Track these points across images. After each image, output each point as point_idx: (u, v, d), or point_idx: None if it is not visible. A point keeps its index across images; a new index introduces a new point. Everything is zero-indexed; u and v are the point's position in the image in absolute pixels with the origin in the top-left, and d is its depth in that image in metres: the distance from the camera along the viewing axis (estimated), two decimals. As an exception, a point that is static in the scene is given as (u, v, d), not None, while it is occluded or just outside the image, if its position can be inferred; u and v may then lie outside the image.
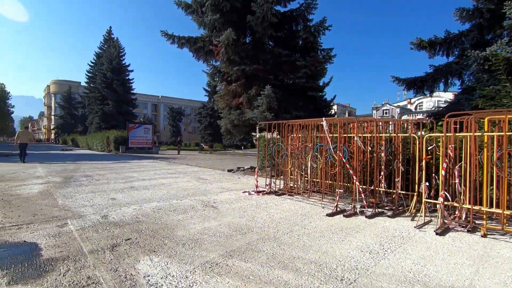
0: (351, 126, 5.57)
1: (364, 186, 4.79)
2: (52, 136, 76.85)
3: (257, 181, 6.17)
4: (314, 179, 6.00)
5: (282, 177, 6.79)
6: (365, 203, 4.40)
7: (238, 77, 9.23)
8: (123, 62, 39.64)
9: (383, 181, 4.74)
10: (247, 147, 52.42)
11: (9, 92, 75.79)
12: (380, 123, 5.08)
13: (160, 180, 7.74)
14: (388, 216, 4.23)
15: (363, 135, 5.00)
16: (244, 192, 6.13)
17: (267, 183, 6.42)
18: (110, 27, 43.77)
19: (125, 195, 5.60)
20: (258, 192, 6.02)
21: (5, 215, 4.10)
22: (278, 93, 8.34)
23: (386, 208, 4.70)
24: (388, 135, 4.85)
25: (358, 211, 4.28)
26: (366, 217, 4.16)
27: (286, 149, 6.11)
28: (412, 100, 54.84)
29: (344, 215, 4.21)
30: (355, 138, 4.29)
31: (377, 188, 4.56)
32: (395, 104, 56.60)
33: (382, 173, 4.65)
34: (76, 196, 5.45)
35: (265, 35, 8.56)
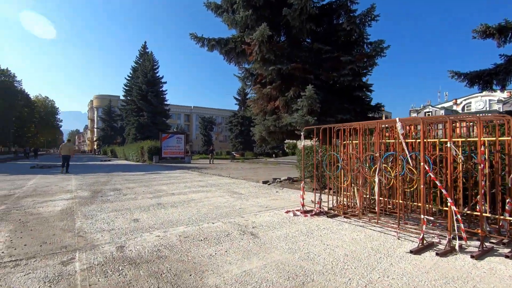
0: (429, 127, 4.32)
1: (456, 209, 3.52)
2: (95, 147, 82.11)
3: (303, 199, 5.07)
4: (381, 198, 4.80)
5: (328, 191, 5.65)
6: (464, 235, 3.14)
7: (273, 79, 8.32)
8: (157, 75, 40.96)
9: (487, 203, 3.43)
10: (278, 155, 51.24)
11: (58, 108, 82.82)
12: (475, 123, 3.79)
13: (190, 195, 6.97)
14: (506, 256, 2.93)
15: (458, 139, 3.75)
16: (287, 212, 5.08)
17: (315, 200, 5.32)
18: (145, 42, 45.80)
19: (150, 215, 4.84)
20: (305, 212, 4.94)
21: (11, 243, 3.48)
22: (320, 94, 7.27)
23: (493, 241, 3.37)
24: (493, 138, 3.54)
25: (456, 247, 3.04)
26: (472, 257, 2.91)
27: (341, 159, 4.97)
28: (459, 101, 50.07)
29: (437, 253, 2.99)
30: (448, 144, 3.08)
31: (480, 214, 3.26)
32: (439, 106, 52.05)
33: (484, 191, 3.34)
34: (97, 216, 4.80)
35: (302, 31, 7.59)
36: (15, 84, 50.42)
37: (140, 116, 38.56)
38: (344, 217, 4.62)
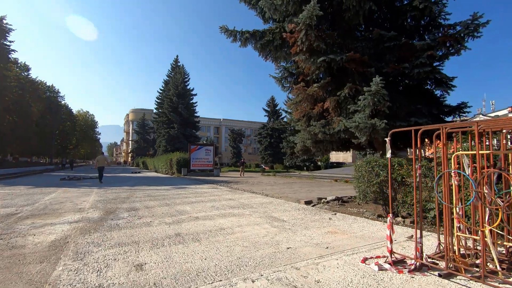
0: None
1: None
2: (129, 159, 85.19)
3: (391, 242, 3.23)
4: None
5: (415, 223, 3.81)
6: None
7: (321, 75, 6.76)
8: (188, 87, 41.20)
9: None
10: (309, 168, 48.70)
11: (97, 121, 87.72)
12: None
13: (219, 221, 5.45)
14: None
15: None
16: (365, 260, 3.31)
17: (408, 237, 3.52)
18: (177, 56, 46.75)
19: (161, 258, 3.36)
20: (396, 263, 3.15)
21: None
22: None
23: None
24: None
25: None
26: None
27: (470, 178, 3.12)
28: (516, 108, 44.45)
29: None
30: None
31: None
32: (492, 114, 46.78)
33: None
34: (91, 256, 3.43)
35: (359, 13, 5.96)
36: (58, 99, 53.81)
37: (170, 128, 38.69)
38: (471, 278, 2.75)
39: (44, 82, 48.89)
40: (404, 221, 5.18)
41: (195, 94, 41.77)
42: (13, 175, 21.68)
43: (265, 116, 56.96)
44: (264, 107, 57.26)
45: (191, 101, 41.07)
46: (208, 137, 75.81)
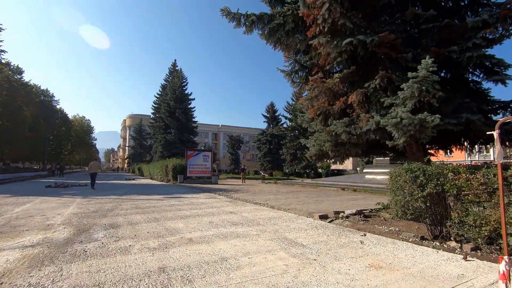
0: None
1: None
2: (125, 165, 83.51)
3: None
4: None
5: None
6: None
7: (341, 65, 5.62)
8: (185, 91, 40.14)
9: None
10: (310, 175, 47.41)
11: (93, 127, 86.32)
12: None
13: (218, 245, 4.20)
14: None
15: None
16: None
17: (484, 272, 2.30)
18: (175, 60, 45.82)
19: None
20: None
21: None
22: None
23: None
24: None
25: None
26: None
27: None
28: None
29: None
30: None
31: None
32: None
33: None
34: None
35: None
36: (53, 104, 52.51)
37: (167, 133, 37.44)
38: None
39: (38, 85, 47.64)
40: (461, 248, 3.96)
41: (193, 99, 40.71)
42: (-4, 182, 20.26)
43: (264, 122, 55.96)
44: (264, 113, 56.30)
45: (189, 106, 39.94)
46: (206, 143, 74.59)
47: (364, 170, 23.70)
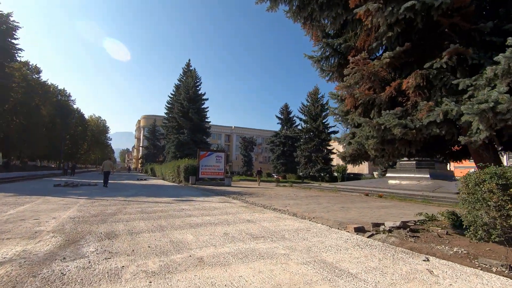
0: None
1: None
2: (139, 165, 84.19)
3: None
4: None
5: None
6: None
7: (391, 42, 4.52)
8: (199, 92, 39.57)
9: None
10: (324, 179, 45.75)
11: (108, 127, 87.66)
12: None
13: (238, 270, 3.17)
14: None
15: None
16: None
17: None
18: (189, 60, 45.44)
19: None
20: None
21: None
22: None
23: None
24: None
25: None
26: None
27: None
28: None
29: None
30: None
31: None
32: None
33: None
34: None
35: None
36: (70, 103, 53.28)
37: (180, 133, 36.91)
38: None
39: (56, 85, 48.43)
40: None
41: (207, 99, 40.06)
42: (8, 180, 20.10)
43: (278, 123, 54.83)
44: (277, 114, 55.21)
45: (202, 106, 39.31)
46: (218, 145, 74.14)
47: (388, 175, 22.16)
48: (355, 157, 5.92)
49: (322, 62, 6.26)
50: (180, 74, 45.04)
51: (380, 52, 5.30)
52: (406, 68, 4.65)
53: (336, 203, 11.00)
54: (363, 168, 78.80)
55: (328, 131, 47.44)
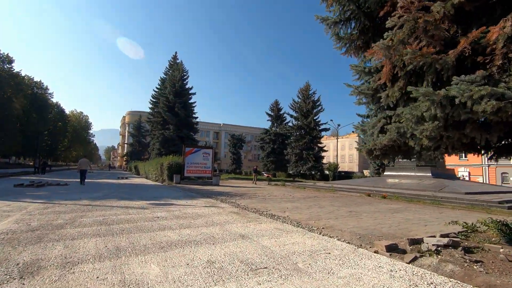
0: None
1: None
2: (124, 163, 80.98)
3: None
4: None
5: None
6: None
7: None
8: (186, 86, 37.53)
9: None
10: (315, 177, 44.60)
11: (91, 123, 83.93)
12: None
13: None
14: None
15: None
16: None
17: None
18: (176, 52, 43.16)
19: None
20: None
21: None
22: None
23: None
24: None
25: None
26: None
27: None
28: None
29: None
30: None
31: None
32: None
33: None
34: None
35: None
36: (47, 97, 49.98)
37: (165, 129, 34.82)
38: None
39: (31, 77, 45.14)
40: None
41: (194, 93, 38.06)
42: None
43: (268, 120, 53.35)
44: (268, 111, 53.71)
45: (189, 101, 37.31)
46: (207, 142, 71.97)
47: (386, 173, 21.02)
48: (387, 151, 4.43)
49: (340, 26, 4.75)
50: (166, 67, 42.77)
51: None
52: (483, 15, 3.20)
53: (341, 206, 9.58)
54: (353, 166, 78.63)
55: (320, 128, 46.35)
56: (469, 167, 47.24)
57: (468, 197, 11.89)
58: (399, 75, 3.64)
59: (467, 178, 43.71)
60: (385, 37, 3.48)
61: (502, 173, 44.88)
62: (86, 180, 17.68)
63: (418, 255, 3.87)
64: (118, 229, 4.99)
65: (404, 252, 4.12)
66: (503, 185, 36.88)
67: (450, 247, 4.14)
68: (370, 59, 4.27)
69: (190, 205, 8.55)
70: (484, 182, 42.62)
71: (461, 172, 45.65)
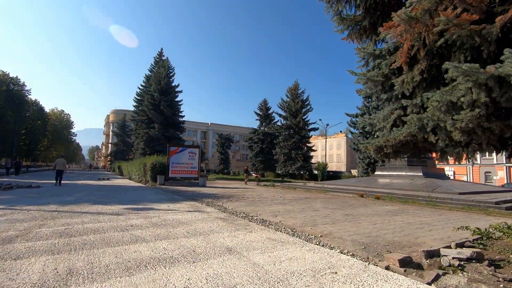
0: None
1: None
2: (107, 163, 78.32)
3: None
4: None
5: None
6: None
7: None
8: (172, 83, 36.33)
9: None
10: (304, 176, 44.26)
11: (73, 122, 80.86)
12: None
13: None
14: None
15: None
16: None
17: None
18: (161, 49, 41.81)
19: None
20: None
21: None
22: None
23: None
24: None
25: None
26: None
27: None
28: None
29: None
30: None
31: None
32: None
33: None
34: None
35: None
36: (24, 93, 47.45)
37: (150, 128, 33.53)
38: None
39: (6, 72, 42.64)
40: None
41: (181, 91, 36.90)
42: None
43: (256, 120, 52.69)
44: (256, 110, 53.03)
45: (175, 99, 36.13)
46: (194, 142, 70.55)
47: (377, 173, 20.72)
48: (401, 148, 3.77)
49: (344, 3, 4.09)
50: (151, 64, 41.38)
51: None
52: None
53: (335, 209, 8.98)
54: (340, 165, 79.06)
55: (309, 127, 46.06)
56: (453, 166, 48.14)
57: (463, 197, 11.56)
58: (418, 58, 2.99)
59: (452, 177, 44.44)
60: (407, 5, 2.83)
61: (486, 172, 45.95)
62: (63, 182, 16.49)
63: (440, 272, 3.24)
64: (80, 242, 4.14)
65: (420, 267, 3.49)
66: (486, 183, 37.63)
67: (473, 261, 3.54)
68: (383, 39, 3.62)
69: (171, 209, 7.71)
70: (468, 180, 43.47)
71: (447, 172, 46.39)
